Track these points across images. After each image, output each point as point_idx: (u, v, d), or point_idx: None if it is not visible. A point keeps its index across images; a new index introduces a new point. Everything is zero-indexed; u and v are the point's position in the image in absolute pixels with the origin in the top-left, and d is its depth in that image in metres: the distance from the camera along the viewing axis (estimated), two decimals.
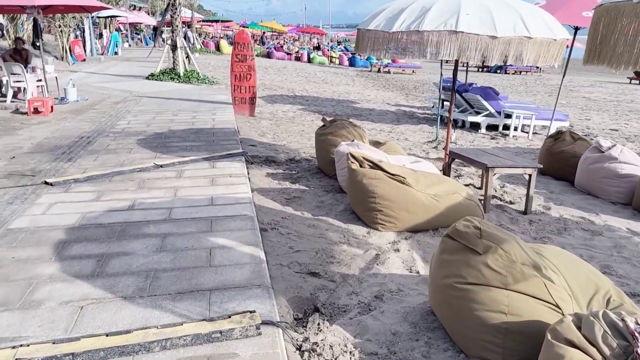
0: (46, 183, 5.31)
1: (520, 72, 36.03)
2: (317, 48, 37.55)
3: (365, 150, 5.42)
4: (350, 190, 4.87)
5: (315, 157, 6.94)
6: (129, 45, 41.07)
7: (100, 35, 33.60)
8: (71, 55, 22.06)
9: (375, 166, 4.70)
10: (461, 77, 16.80)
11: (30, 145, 7.11)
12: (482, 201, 5.24)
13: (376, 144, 6.56)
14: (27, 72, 11.30)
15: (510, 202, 5.74)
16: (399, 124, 11.43)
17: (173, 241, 3.89)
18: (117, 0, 38.09)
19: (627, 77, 32.56)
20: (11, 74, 10.60)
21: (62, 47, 21.05)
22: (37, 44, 11.49)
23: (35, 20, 10.86)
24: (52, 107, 9.77)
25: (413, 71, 31.04)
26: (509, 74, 35.42)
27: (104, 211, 4.52)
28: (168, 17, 18.87)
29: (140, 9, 56.68)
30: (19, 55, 12.32)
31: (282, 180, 6.08)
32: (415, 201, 4.50)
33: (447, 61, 8.33)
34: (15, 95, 11.33)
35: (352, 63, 35.12)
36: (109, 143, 7.27)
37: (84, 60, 23.28)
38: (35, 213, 4.47)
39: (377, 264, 3.90)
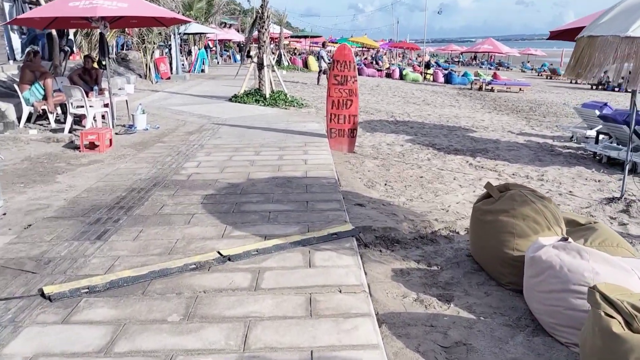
0: (43, 296, 3.24)
1: None
2: (427, 66, 34.73)
3: (601, 264, 2.88)
4: None
5: (469, 240, 4.48)
6: (218, 62, 40.78)
7: (189, 52, 33.17)
8: (156, 73, 21.08)
9: None
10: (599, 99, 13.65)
11: (61, 203, 5.20)
12: None
13: (573, 225, 3.97)
14: (94, 94, 9.78)
15: None
16: (544, 164, 8.65)
17: None
18: (207, 17, 37.83)
19: None
20: (70, 97, 9.04)
21: (146, 64, 20.05)
22: (104, 62, 9.94)
23: (101, 36, 9.28)
24: (110, 140, 8.02)
25: (520, 89, 27.50)
26: (629, 92, 30.64)
27: None
28: (255, 33, 17.06)
29: (230, 26, 56.99)
30: (88, 75, 10.91)
31: (421, 291, 3.65)
32: None
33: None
34: (80, 122, 9.82)
35: (448, 80, 32.07)
36: (165, 202, 5.21)
37: (169, 78, 22.31)
38: None
39: None
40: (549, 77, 44.08)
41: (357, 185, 6.53)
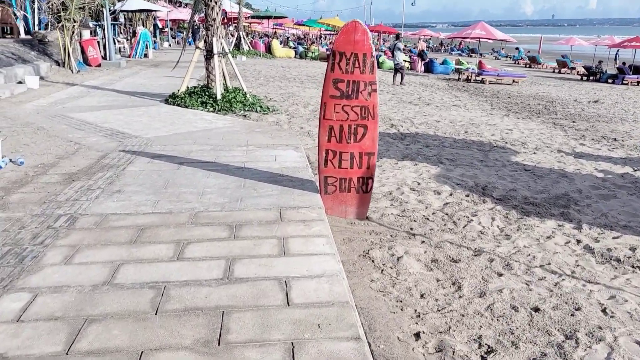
0: None
1: None
2: (422, 56, 30.21)
3: None
4: None
5: None
6: (169, 45, 36.03)
7: (134, 34, 28.43)
8: (80, 60, 16.57)
9: None
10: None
11: None
12: None
13: None
14: None
15: None
16: None
17: None
18: None
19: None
20: None
21: (64, 48, 15.50)
22: None
23: None
24: None
25: (514, 81, 24.07)
26: (626, 84, 27.25)
27: None
28: (203, 11, 12.54)
29: (186, 5, 51.62)
30: None
31: None
32: None
33: None
34: None
35: (428, 68, 28.42)
36: None
37: (99, 65, 17.79)
38: None
39: None
40: (527, 65, 41.63)
41: None
